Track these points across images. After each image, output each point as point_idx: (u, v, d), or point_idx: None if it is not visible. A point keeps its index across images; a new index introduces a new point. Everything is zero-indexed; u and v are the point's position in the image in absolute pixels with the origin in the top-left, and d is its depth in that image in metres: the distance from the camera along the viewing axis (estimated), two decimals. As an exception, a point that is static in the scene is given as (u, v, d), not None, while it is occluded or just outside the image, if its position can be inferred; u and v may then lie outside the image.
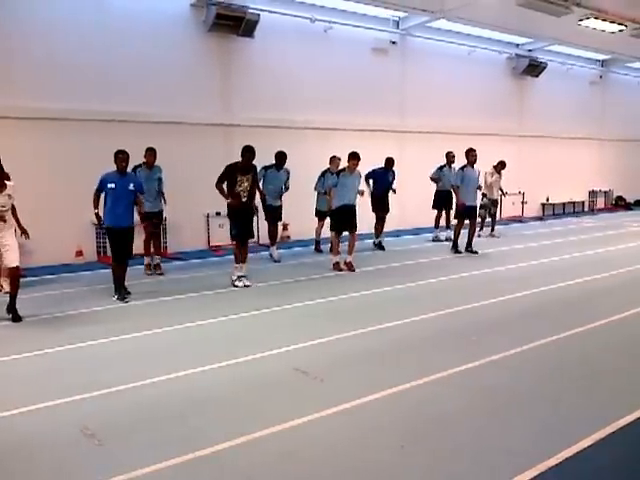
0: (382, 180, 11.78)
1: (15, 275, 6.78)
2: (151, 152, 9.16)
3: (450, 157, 12.57)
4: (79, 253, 10.46)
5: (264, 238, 11.28)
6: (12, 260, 6.67)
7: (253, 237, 8.97)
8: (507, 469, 3.39)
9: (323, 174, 10.90)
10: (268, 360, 5.31)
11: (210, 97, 11.98)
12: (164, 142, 10.22)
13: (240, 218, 8.40)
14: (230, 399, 4.47)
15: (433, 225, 13.22)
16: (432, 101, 15.23)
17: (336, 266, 9.64)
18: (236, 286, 8.36)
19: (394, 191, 11.92)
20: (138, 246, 8.59)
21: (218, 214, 11.30)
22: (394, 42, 14.56)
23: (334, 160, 10.88)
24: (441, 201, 12.83)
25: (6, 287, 7.46)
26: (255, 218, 9.18)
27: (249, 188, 8.38)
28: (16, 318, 6.71)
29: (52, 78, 10.11)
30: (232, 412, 4.22)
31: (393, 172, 11.93)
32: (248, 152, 8.28)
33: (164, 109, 11.21)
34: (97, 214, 7.73)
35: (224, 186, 8.32)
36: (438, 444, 3.72)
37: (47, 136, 10.12)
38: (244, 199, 8.35)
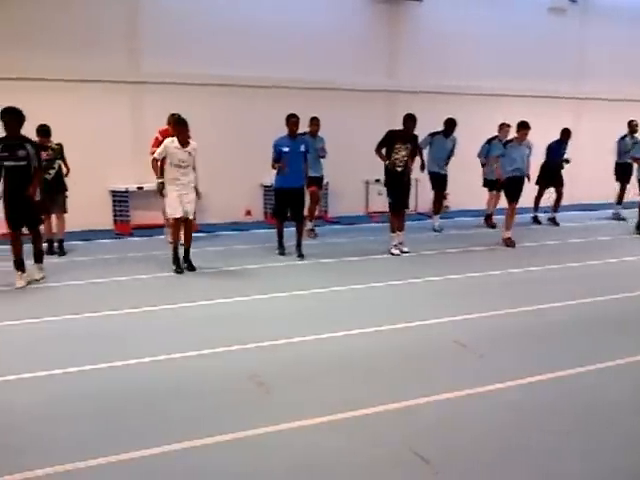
0: (556, 152, 11.00)
1: (190, 227, 7.42)
2: (315, 122, 9.36)
3: (633, 126, 11.38)
4: (248, 213, 11.17)
5: (424, 206, 11.16)
6: (189, 212, 7.29)
7: (408, 207, 8.75)
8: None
9: (489, 141, 10.46)
10: (427, 329, 5.30)
11: (375, 63, 11.95)
12: (327, 108, 10.35)
13: (396, 187, 8.36)
14: (389, 365, 4.52)
15: (615, 201, 12.09)
16: (614, 65, 13.79)
17: (508, 241, 9.18)
18: (393, 254, 8.40)
19: (567, 161, 11.09)
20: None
21: (377, 181, 11.33)
22: (574, 0, 13.37)
23: (503, 127, 10.41)
24: (620, 174, 11.72)
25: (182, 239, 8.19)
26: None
27: (405, 157, 8.29)
28: (191, 267, 7.36)
29: (227, 46, 10.66)
30: (391, 377, 4.28)
31: (567, 144, 11.11)
32: (410, 120, 8.18)
33: (328, 75, 11.35)
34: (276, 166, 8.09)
35: (382, 152, 8.32)
36: (600, 435, 3.48)
37: (222, 102, 10.75)
38: (399, 168, 8.27)
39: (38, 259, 6.95)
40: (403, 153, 8.23)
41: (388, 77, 12.07)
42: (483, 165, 10.63)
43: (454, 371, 4.39)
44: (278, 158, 8.00)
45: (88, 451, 3.22)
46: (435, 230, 10.46)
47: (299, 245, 8.28)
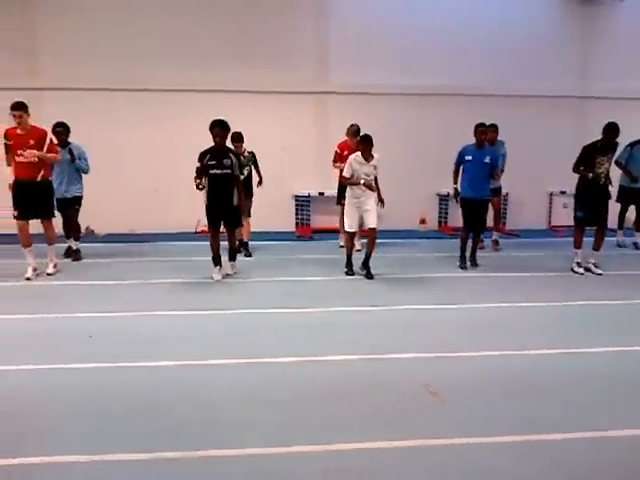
0: None
1: (373, 236, 7.54)
2: (493, 128, 9.01)
3: None
4: (422, 221, 11.20)
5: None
6: (371, 222, 7.44)
7: (604, 223, 7.87)
8: None
9: None
10: (621, 356, 4.91)
11: (565, 67, 11.34)
12: (508, 115, 9.99)
13: (592, 200, 7.70)
14: (577, 389, 4.25)
15: None
16: None
17: None
18: (575, 272, 7.87)
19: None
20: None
21: (563, 193, 10.74)
22: None
23: None
24: None
25: (357, 245, 8.44)
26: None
27: (608, 169, 7.67)
28: (369, 275, 7.51)
29: (408, 55, 10.87)
30: (579, 403, 4.01)
31: None
32: (612, 130, 7.44)
33: (511, 81, 11.02)
34: (456, 189, 8.12)
35: (581, 169, 7.76)
36: None
37: (400, 110, 10.94)
38: (601, 182, 7.67)
39: (232, 258, 7.63)
40: (606, 165, 7.62)
41: (579, 82, 11.36)
42: None
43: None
44: (459, 164, 8.00)
45: (271, 438, 3.50)
46: (620, 245, 9.70)
47: (474, 254, 8.19)
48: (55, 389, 4.19)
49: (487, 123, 8.16)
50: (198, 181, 7.05)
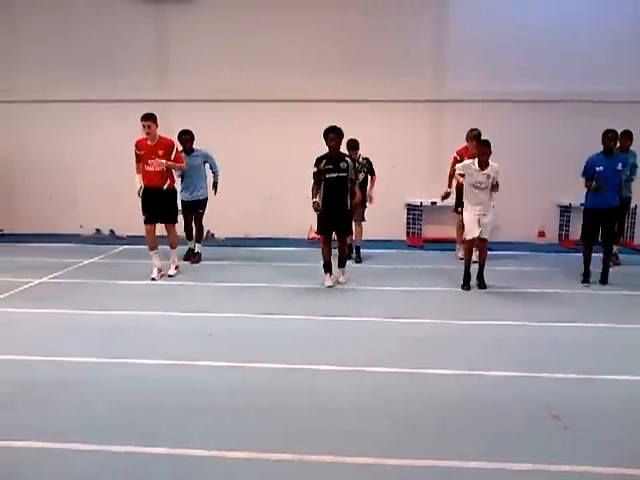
0: None
1: (484, 247, 7.42)
2: (627, 136, 8.41)
3: None
4: (541, 234, 10.68)
5: None
6: (484, 233, 7.28)
7: None
8: None
9: None
10: None
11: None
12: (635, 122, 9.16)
13: None
14: None
15: None
16: None
17: None
18: None
19: None
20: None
21: (702, 206, 9.80)
22: None
23: None
24: None
25: (474, 257, 8.20)
26: None
27: None
28: (482, 285, 7.35)
29: (531, 61, 10.43)
30: None
31: None
32: None
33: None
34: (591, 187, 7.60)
35: None
36: None
37: (521, 118, 10.47)
38: None
39: (341, 264, 7.69)
40: None
41: None
42: None
43: None
44: (590, 177, 7.42)
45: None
46: None
47: (605, 269, 7.62)
48: (179, 384, 4.42)
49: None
50: (315, 200, 7.21)
